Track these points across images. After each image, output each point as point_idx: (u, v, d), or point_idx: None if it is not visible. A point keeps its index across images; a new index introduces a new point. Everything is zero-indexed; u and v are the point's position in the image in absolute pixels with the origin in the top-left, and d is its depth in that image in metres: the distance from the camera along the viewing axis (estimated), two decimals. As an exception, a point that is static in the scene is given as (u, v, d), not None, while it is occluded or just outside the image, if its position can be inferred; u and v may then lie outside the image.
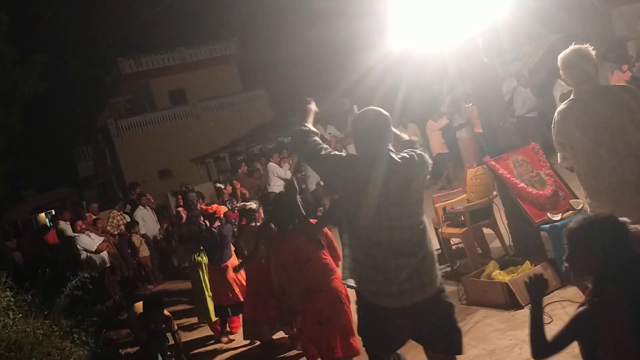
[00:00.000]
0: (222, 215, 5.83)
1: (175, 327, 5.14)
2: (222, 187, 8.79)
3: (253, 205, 5.39)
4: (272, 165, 10.68)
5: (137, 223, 9.30)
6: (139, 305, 5.00)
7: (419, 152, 2.60)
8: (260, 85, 24.84)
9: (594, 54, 3.15)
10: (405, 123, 11.70)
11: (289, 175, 10.50)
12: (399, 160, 2.53)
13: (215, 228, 5.63)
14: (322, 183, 9.70)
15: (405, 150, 2.61)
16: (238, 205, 6.36)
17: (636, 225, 2.08)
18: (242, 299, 5.40)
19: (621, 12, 10.88)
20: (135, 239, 9.08)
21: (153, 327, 4.81)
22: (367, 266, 2.58)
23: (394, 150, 2.59)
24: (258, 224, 5.15)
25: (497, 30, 9.94)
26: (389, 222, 2.52)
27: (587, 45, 3.18)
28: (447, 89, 11.86)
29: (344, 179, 2.58)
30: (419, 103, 12.80)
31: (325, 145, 2.65)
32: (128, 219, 9.64)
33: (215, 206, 5.94)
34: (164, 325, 4.94)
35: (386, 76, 11.13)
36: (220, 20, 25.10)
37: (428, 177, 2.65)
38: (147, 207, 9.77)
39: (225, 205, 7.79)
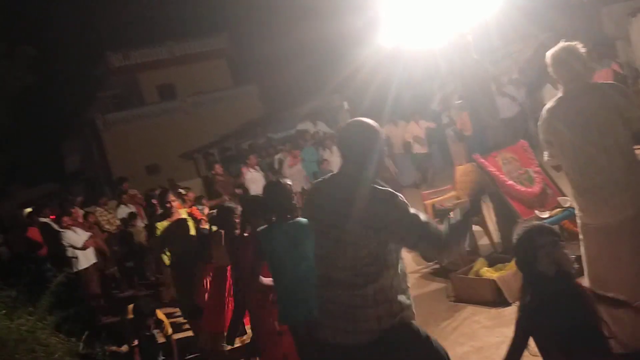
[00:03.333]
0: (199, 218, 5.87)
1: (170, 330, 5.06)
2: (184, 192, 8.37)
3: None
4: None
5: (136, 216, 9.22)
6: (132, 308, 4.92)
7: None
8: (251, 81, 24.71)
9: (584, 51, 3.15)
10: (396, 120, 11.72)
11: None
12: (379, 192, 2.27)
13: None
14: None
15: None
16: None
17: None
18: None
19: (610, 10, 10.94)
20: (134, 232, 9.00)
21: (144, 331, 4.75)
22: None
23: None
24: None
25: (488, 28, 9.95)
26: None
27: (577, 42, 3.17)
28: (437, 86, 11.88)
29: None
30: (410, 100, 12.82)
31: None
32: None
33: (193, 209, 6.09)
34: (156, 330, 4.87)
35: (377, 73, 11.13)
36: (211, 15, 24.94)
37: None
38: (129, 205, 9.67)
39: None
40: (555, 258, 2.20)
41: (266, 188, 3.53)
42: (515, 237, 2.34)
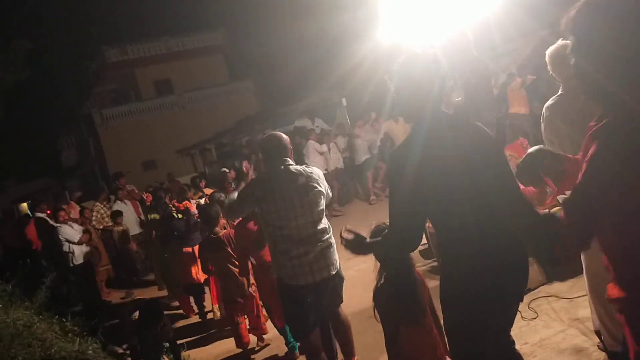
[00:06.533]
0: (192, 210, 6.50)
1: (172, 333, 4.99)
2: (227, 170, 8.85)
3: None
4: (311, 142, 11.02)
5: (121, 214, 9.13)
6: (139, 309, 4.85)
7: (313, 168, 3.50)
8: (247, 77, 24.69)
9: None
10: (397, 117, 11.66)
11: (325, 149, 11.01)
12: (294, 171, 3.35)
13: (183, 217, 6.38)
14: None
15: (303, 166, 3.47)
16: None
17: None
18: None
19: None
20: (116, 231, 8.94)
21: (149, 332, 4.68)
22: (288, 257, 3.33)
23: (292, 164, 3.41)
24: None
25: (489, 25, 9.91)
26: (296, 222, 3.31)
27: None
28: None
29: (259, 199, 3.31)
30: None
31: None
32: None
33: (185, 203, 6.64)
34: (159, 331, 4.80)
35: (375, 69, 11.08)
36: (208, 10, 24.88)
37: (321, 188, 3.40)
38: (125, 201, 9.60)
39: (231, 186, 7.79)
40: None
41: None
42: None
